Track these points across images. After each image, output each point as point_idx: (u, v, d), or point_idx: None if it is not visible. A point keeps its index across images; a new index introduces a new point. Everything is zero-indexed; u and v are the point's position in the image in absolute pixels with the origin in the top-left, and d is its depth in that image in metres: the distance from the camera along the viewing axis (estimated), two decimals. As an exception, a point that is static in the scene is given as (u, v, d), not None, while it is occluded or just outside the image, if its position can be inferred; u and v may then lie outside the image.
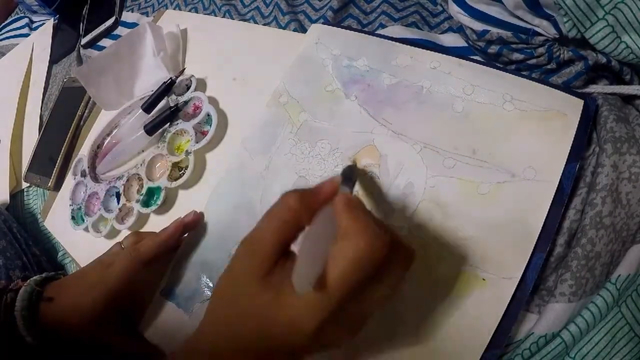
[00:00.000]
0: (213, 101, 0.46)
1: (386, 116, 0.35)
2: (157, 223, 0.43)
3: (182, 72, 0.47)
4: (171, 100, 0.47)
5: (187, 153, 0.42)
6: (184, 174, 0.43)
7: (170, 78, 0.47)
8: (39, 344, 0.35)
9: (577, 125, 0.29)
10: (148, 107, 0.47)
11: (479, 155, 0.31)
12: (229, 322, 0.23)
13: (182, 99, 0.46)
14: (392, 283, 0.22)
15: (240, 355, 0.22)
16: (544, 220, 0.28)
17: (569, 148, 0.29)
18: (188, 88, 0.48)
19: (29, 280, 0.37)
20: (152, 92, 0.47)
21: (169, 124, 0.46)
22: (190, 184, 0.43)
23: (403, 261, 0.23)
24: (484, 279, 0.28)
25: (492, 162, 0.31)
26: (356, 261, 0.20)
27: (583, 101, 0.30)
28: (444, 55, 0.36)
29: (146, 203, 0.43)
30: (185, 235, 0.39)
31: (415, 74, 0.36)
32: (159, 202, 0.42)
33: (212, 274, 0.37)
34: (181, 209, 0.43)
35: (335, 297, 0.20)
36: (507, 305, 0.27)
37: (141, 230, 0.44)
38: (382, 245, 0.20)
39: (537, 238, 0.28)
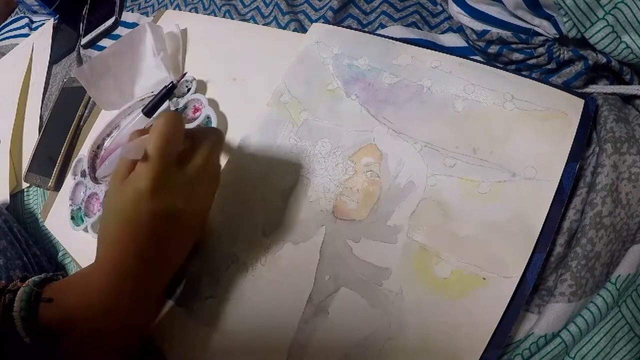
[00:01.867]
0: (213, 102, 0.46)
1: (387, 115, 0.35)
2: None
3: (183, 76, 0.47)
4: (172, 102, 0.47)
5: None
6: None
7: (172, 82, 0.47)
8: (38, 345, 0.35)
9: (577, 125, 0.29)
10: (149, 111, 0.47)
11: (479, 154, 0.31)
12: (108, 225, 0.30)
13: (182, 102, 0.46)
14: (203, 154, 0.30)
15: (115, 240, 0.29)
16: (544, 220, 0.28)
17: (570, 147, 0.29)
18: (188, 90, 0.48)
19: (27, 281, 0.37)
20: (153, 96, 0.47)
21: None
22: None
23: (211, 136, 0.31)
24: (484, 278, 0.28)
25: (492, 161, 0.30)
26: (161, 132, 0.28)
27: (583, 101, 0.30)
28: (445, 54, 0.36)
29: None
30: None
31: (416, 73, 0.36)
32: None
33: (212, 272, 0.37)
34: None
35: (154, 160, 0.28)
36: (507, 304, 0.27)
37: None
38: (178, 120, 0.29)
39: (537, 237, 0.28)
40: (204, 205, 0.32)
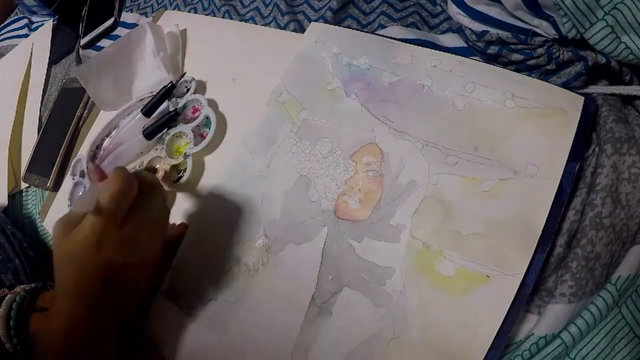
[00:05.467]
0: (212, 103, 0.46)
1: (387, 114, 0.35)
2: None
3: (182, 76, 0.47)
4: (171, 102, 0.47)
5: (186, 156, 0.42)
6: (182, 176, 0.43)
7: (171, 82, 0.47)
8: (21, 352, 0.34)
9: (577, 122, 0.29)
10: (148, 111, 0.47)
11: (480, 152, 0.31)
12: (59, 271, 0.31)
13: (181, 102, 0.46)
14: (147, 208, 0.32)
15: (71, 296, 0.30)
16: (546, 217, 0.28)
17: (570, 144, 0.29)
18: (188, 90, 0.48)
19: (16, 289, 0.37)
20: (152, 96, 0.47)
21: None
22: (188, 187, 0.43)
23: (149, 191, 0.32)
24: (487, 276, 0.28)
25: (494, 159, 0.31)
26: (113, 191, 0.29)
27: (583, 98, 0.30)
28: (445, 53, 0.36)
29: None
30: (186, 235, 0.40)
31: (416, 72, 0.36)
32: None
33: (213, 274, 0.37)
34: (179, 212, 0.43)
35: (103, 216, 0.29)
36: (511, 301, 0.27)
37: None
38: (129, 179, 0.30)
39: (540, 234, 0.28)
40: (148, 256, 0.33)
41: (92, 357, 0.32)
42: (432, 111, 0.34)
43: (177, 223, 0.41)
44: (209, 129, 0.43)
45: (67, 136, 0.58)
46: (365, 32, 0.41)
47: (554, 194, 0.28)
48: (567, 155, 0.29)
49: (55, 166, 0.56)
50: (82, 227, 0.29)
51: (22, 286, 0.37)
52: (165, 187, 0.42)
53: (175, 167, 0.44)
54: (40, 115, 0.66)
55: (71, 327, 0.30)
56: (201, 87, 0.48)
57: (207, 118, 0.44)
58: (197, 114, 0.45)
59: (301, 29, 0.48)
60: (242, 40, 0.50)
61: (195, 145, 0.42)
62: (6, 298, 0.35)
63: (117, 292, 0.31)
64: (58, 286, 0.31)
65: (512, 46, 0.34)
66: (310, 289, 0.32)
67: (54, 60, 0.72)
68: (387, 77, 0.37)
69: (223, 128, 0.44)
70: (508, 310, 0.27)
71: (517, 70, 0.34)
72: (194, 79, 0.48)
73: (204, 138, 0.43)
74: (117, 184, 0.30)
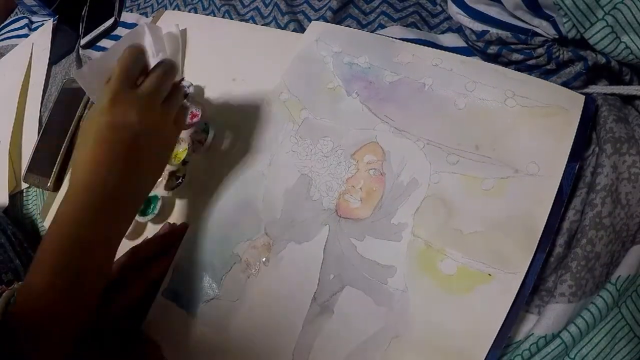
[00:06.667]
0: (212, 103, 0.46)
1: (388, 113, 0.35)
2: (154, 232, 0.43)
3: (180, 82, 0.47)
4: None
5: (184, 162, 0.42)
6: (181, 182, 0.42)
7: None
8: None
9: (578, 121, 0.29)
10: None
11: (482, 151, 0.31)
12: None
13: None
14: (152, 79, 0.34)
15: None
16: (547, 216, 0.28)
17: (571, 143, 0.29)
18: (186, 95, 0.47)
19: (14, 285, 0.37)
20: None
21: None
22: (188, 193, 0.43)
23: (161, 66, 0.35)
24: (489, 274, 0.28)
25: (495, 158, 0.31)
26: (122, 62, 0.33)
27: (584, 97, 0.30)
28: (445, 52, 0.36)
29: (143, 212, 0.43)
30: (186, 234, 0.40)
31: (417, 71, 0.36)
32: (155, 212, 0.42)
33: (215, 273, 0.37)
34: (179, 212, 0.43)
35: (113, 83, 0.32)
36: (513, 299, 0.27)
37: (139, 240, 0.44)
38: (138, 52, 0.35)
39: (541, 232, 0.28)
40: (157, 123, 0.34)
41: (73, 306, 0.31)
42: (433, 110, 0.34)
43: (177, 223, 0.41)
44: (207, 134, 0.43)
45: (68, 136, 0.58)
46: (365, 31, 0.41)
47: (555, 192, 0.28)
48: (568, 153, 0.29)
49: (55, 166, 0.56)
50: (99, 97, 0.33)
51: (19, 282, 0.37)
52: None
53: (173, 174, 0.44)
54: (40, 115, 0.66)
55: (89, 192, 0.31)
56: (201, 87, 0.48)
57: (205, 124, 0.44)
58: (195, 119, 0.45)
59: (301, 28, 0.48)
60: (242, 40, 0.50)
61: (194, 151, 0.42)
62: (4, 294, 0.35)
63: (124, 175, 0.32)
64: (74, 164, 0.33)
65: (512, 46, 0.34)
66: (312, 287, 0.32)
67: (54, 60, 0.72)
68: (388, 76, 0.37)
69: (222, 132, 0.44)
70: (509, 309, 0.27)
71: (517, 70, 0.35)
72: (192, 84, 0.48)
73: (202, 144, 0.42)
74: (125, 57, 0.33)
